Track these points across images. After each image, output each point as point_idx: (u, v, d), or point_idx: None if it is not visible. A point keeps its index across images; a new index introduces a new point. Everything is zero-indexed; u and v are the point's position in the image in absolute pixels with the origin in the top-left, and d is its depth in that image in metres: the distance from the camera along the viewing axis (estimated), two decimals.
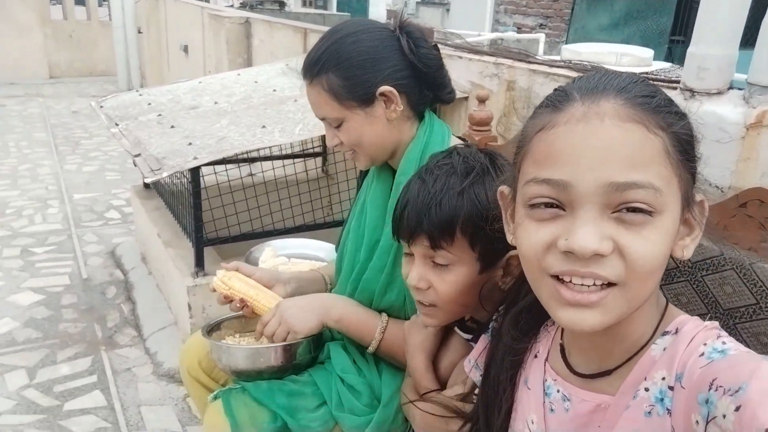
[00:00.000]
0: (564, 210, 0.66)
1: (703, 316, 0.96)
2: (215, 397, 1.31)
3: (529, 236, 0.69)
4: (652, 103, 0.66)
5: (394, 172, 1.37)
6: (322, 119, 1.30)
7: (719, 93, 1.56)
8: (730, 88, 1.59)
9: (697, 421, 0.61)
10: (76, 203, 4.31)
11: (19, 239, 3.67)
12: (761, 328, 0.97)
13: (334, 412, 1.28)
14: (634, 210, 0.63)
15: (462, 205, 0.97)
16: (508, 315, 0.88)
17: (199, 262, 2.44)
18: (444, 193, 0.98)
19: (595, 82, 0.68)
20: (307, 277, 1.53)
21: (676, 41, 6.28)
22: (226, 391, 1.31)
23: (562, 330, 0.83)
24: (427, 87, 1.30)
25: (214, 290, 1.40)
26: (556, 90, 0.72)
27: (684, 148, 0.67)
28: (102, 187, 4.66)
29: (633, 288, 0.66)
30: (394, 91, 1.24)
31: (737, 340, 0.94)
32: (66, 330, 2.76)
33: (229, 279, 1.39)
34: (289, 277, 1.48)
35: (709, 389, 0.60)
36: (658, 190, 0.63)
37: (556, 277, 0.67)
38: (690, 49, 1.59)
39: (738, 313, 0.99)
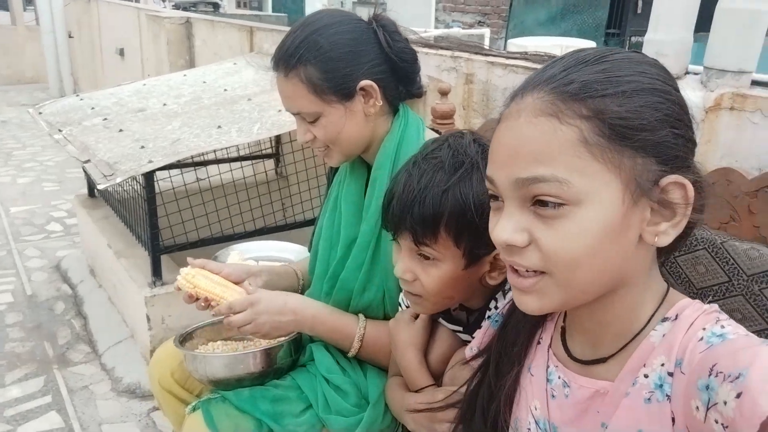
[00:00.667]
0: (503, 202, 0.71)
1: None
2: (194, 408, 1.25)
3: (490, 226, 0.73)
4: (572, 90, 0.64)
5: (368, 166, 1.34)
6: (296, 114, 1.24)
7: (677, 78, 1.60)
8: (687, 73, 1.63)
9: (697, 407, 0.60)
10: (14, 217, 4.07)
11: None
12: (735, 305, 1.00)
13: (321, 415, 1.24)
14: (543, 203, 0.65)
15: (446, 204, 0.95)
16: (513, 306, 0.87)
17: (156, 271, 2.34)
18: (429, 190, 0.96)
19: (541, 73, 0.69)
20: (279, 270, 1.48)
21: (611, 34, 6.50)
22: (206, 401, 1.25)
23: (565, 313, 0.83)
24: (401, 81, 1.28)
25: (179, 289, 1.30)
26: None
27: (618, 132, 0.63)
28: (40, 198, 4.42)
29: (561, 277, 0.67)
30: (375, 85, 1.21)
31: None
32: (13, 350, 2.59)
33: (193, 277, 1.28)
34: (259, 269, 1.42)
35: (710, 375, 0.59)
36: (564, 182, 0.63)
37: None
38: (647, 36, 1.63)
39: (711, 292, 1.02)
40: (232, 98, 2.63)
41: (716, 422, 0.57)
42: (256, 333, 1.26)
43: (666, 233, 0.67)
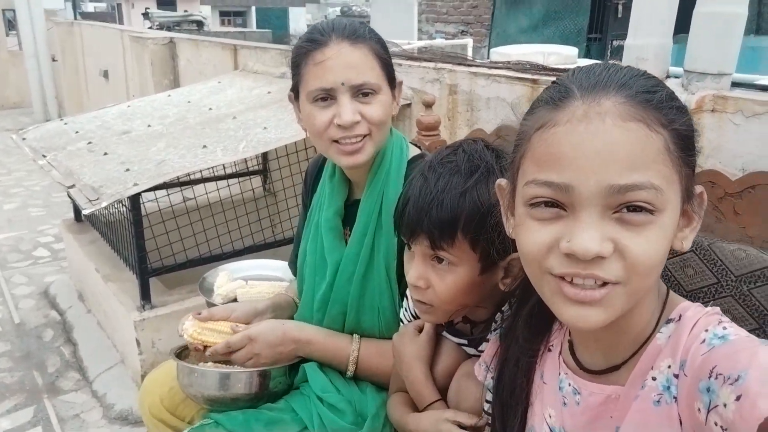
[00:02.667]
0: (565, 210, 0.66)
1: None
2: None
3: (530, 236, 0.68)
4: (654, 99, 0.65)
5: (347, 186, 1.33)
6: (359, 85, 1.17)
7: None
8: (668, 77, 1.65)
9: (699, 409, 0.61)
10: (0, 244, 4.03)
11: None
12: (724, 306, 0.99)
13: None
14: (636, 209, 0.63)
15: (464, 206, 0.94)
16: (520, 314, 0.87)
17: (145, 295, 2.32)
18: (446, 192, 0.95)
19: (596, 77, 0.67)
20: (281, 302, 1.47)
21: (592, 39, 6.57)
22: (198, 427, 1.23)
23: None
24: None
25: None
26: (554, 84, 0.71)
27: (685, 144, 0.66)
28: (26, 224, 4.38)
29: (634, 285, 0.66)
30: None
31: None
32: (2, 381, 2.55)
33: (200, 333, 1.29)
34: (265, 306, 1.41)
35: (710, 377, 0.60)
36: (659, 190, 0.63)
37: (558, 276, 0.67)
38: (627, 42, 1.64)
39: (701, 294, 1.02)
40: (218, 117, 2.62)
41: (716, 424, 0.57)
42: (257, 364, 1.27)
43: (687, 238, 0.70)
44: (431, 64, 2.37)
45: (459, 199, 0.94)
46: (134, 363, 2.40)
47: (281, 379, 1.29)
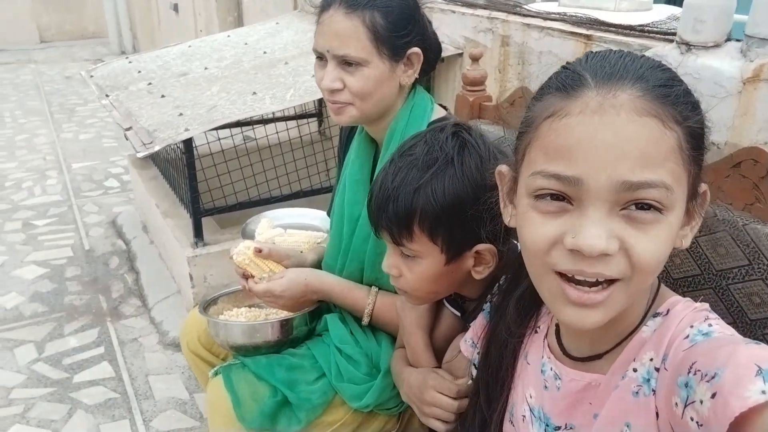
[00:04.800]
0: (571, 204, 0.64)
1: (695, 277, 0.97)
2: (216, 373, 1.33)
3: (534, 229, 0.67)
4: (671, 94, 0.62)
5: (374, 144, 1.35)
6: (341, 56, 1.19)
7: (716, 46, 1.51)
8: (728, 40, 1.54)
9: (676, 403, 0.61)
10: (75, 173, 4.30)
11: (20, 212, 3.68)
12: (754, 288, 0.97)
13: (334, 383, 1.30)
14: (644, 207, 0.62)
15: (418, 202, 0.95)
16: (510, 296, 0.88)
17: (198, 233, 2.45)
18: (401, 188, 0.96)
19: (611, 66, 0.64)
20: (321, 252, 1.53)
21: None
22: (227, 367, 1.33)
23: None
24: (427, 64, 1.29)
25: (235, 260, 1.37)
26: (565, 69, 0.68)
27: (696, 142, 0.64)
28: (100, 155, 4.63)
29: (635, 283, 0.65)
30: (421, 56, 1.23)
31: (729, 301, 0.95)
32: (71, 302, 2.79)
33: (246, 264, 1.35)
34: (311, 260, 1.49)
35: (688, 373, 0.60)
36: (670, 189, 0.61)
37: (560, 274, 0.66)
38: (686, 1, 1.53)
39: (731, 275, 0.99)
40: (270, 61, 2.65)
41: (692, 420, 0.58)
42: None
43: (687, 236, 0.69)
44: (485, 12, 2.30)
45: (413, 195, 0.95)
46: (188, 295, 2.56)
47: (302, 327, 1.37)
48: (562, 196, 0.64)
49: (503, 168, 0.77)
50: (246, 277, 1.35)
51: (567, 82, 0.65)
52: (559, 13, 2.12)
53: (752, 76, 1.40)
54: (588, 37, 1.88)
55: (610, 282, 0.64)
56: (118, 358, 2.41)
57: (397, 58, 1.22)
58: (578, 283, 0.65)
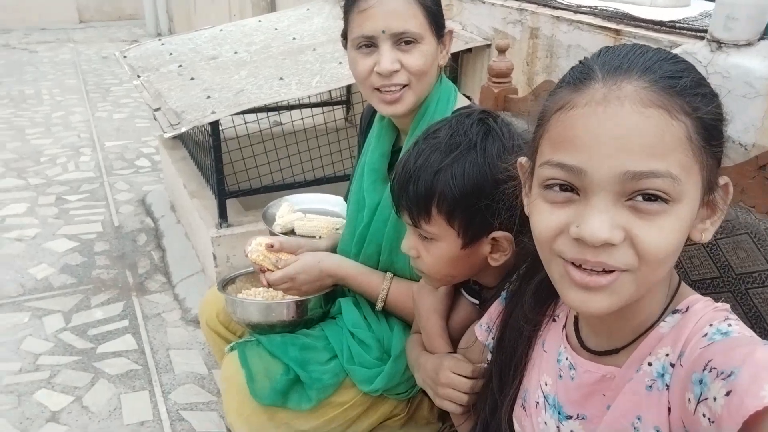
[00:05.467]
0: (578, 194, 0.65)
1: (714, 280, 0.96)
2: (231, 349, 1.37)
3: (541, 218, 0.68)
4: (678, 85, 0.62)
5: (395, 132, 1.36)
6: (401, 33, 1.17)
7: (749, 44, 1.49)
8: (761, 38, 1.51)
9: (689, 399, 0.62)
10: (108, 151, 4.40)
11: (53, 187, 3.79)
12: None
13: (345, 365, 1.32)
14: (650, 198, 0.62)
15: (437, 185, 0.96)
16: (528, 283, 0.89)
17: (222, 214, 2.49)
18: (422, 170, 0.98)
19: (620, 59, 0.65)
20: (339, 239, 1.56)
21: None
22: (242, 343, 1.36)
23: None
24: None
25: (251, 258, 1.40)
26: (580, 63, 0.69)
27: (709, 133, 0.64)
28: (132, 134, 4.73)
29: (643, 274, 0.65)
30: (452, 35, 1.24)
31: (749, 305, 0.94)
32: (99, 276, 2.87)
33: (261, 259, 1.38)
34: (326, 245, 1.52)
35: (704, 370, 0.60)
36: (677, 179, 0.61)
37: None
38: None
39: (750, 279, 0.98)
40: (299, 48, 2.68)
41: (704, 416, 0.59)
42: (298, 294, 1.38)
43: (708, 230, 0.69)
44: (515, 3, 2.29)
45: (433, 177, 0.96)
46: (211, 274, 2.62)
47: (317, 309, 1.40)
48: (570, 187, 0.65)
49: (523, 159, 0.79)
50: (263, 271, 1.39)
51: (577, 75, 0.67)
52: (590, 7, 2.09)
53: None
54: (617, 32, 1.86)
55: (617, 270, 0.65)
56: (141, 332, 2.48)
57: (441, 34, 1.22)
58: (584, 271, 0.66)
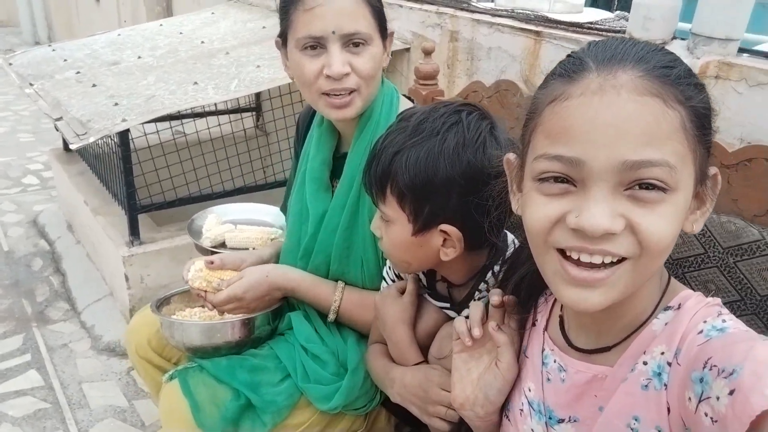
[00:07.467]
0: (575, 186, 0.64)
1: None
2: (171, 377, 1.25)
3: (536, 209, 0.67)
4: (672, 74, 0.62)
5: (336, 135, 1.31)
6: (351, 33, 1.13)
7: (664, 43, 1.57)
8: (674, 38, 1.60)
9: (689, 398, 0.61)
10: None
11: None
12: (709, 276, 1.00)
13: (300, 384, 1.24)
14: (648, 187, 0.62)
15: (392, 166, 0.97)
16: (507, 283, 0.87)
17: (134, 231, 2.31)
18: (384, 150, 0.99)
19: (612, 50, 0.64)
20: (280, 248, 1.47)
21: None
22: (183, 370, 1.25)
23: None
24: None
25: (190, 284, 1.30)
26: (569, 56, 0.68)
27: (701, 122, 0.64)
28: (15, 150, 4.32)
29: (643, 264, 0.65)
30: (393, 37, 1.21)
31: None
32: None
33: (205, 285, 1.29)
34: (269, 255, 1.44)
35: (704, 368, 0.60)
36: (673, 168, 0.61)
37: (562, 252, 0.66)
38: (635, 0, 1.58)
39: (686, 263, 1.01)
40: (210, 51, 2.55)
41: (706, 415, 0.58)
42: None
43: (698, 221, 0.69)
44: (433, 8, 2.30)
45: (392, 158, 0.97)
46: (123, 297, 2.42)
47: (265, 326, 1.31)
48: (566, 179, 0.64)
49: (510, 156, 0.77)
50: (204, 295, 1.29)
51: (569, 67, 0.66)
52: (507, 10, 2.14)
53: (699, 73, 1.46)
54: (538, 34, 1.91)
55: (616, 262, 0.64)
56: (47, 366, 2.23)
57: (384, 35, 1.19)
58: (581, 265, 0.65)
